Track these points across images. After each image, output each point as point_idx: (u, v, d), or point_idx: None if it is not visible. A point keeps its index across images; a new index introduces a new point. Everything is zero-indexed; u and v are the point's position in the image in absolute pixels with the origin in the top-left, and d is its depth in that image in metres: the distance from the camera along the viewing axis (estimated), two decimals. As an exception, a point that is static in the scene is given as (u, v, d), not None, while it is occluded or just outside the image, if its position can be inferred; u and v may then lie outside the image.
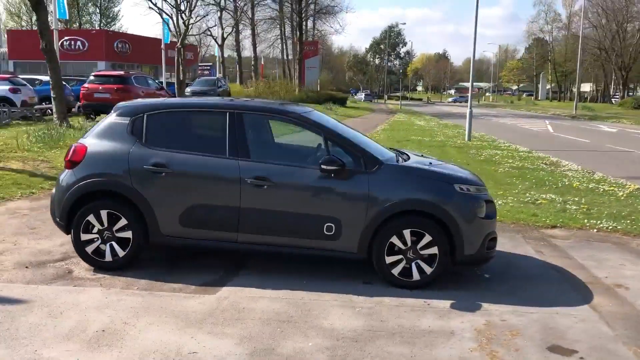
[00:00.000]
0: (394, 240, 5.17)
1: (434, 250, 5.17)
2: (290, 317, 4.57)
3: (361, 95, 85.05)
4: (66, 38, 48.74)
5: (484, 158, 15.44)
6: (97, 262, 5.39)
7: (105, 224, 5.32)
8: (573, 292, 5.41)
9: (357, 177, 5.20)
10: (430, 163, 5.74)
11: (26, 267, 5.44)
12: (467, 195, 5.29)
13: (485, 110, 62.08)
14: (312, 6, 57.20)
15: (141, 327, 4.27)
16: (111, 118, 5.55)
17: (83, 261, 5.47)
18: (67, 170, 5.47)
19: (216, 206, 5.27)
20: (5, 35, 54.54)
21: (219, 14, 52.98)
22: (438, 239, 5.15)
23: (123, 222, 5.30)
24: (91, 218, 5.31)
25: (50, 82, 15.30)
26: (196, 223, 5.31)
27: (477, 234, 5.25)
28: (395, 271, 5.22)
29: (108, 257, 5.35)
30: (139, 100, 6.36)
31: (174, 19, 28.98)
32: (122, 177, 5.27)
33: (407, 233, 5.16)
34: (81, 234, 5.34)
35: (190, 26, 29.76)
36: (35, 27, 20.63)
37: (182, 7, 28.36)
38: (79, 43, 49.21)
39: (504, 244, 6.94)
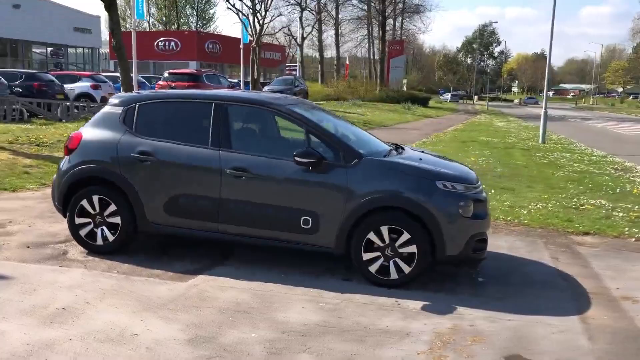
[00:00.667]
0: (371, 236, 5.00)
1: (413, 248, 4.95)
2: (250, 308, 4.54)
3: (447, 96, 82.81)
4: (161, 39, 51.41)
5: (548, 161, 14.60)
6: (89, 245, 5.62)
7: (97, 209, 5.54)
8: (569, 302, 4.99)
9: (335, 171, 5.08)
10: (421, 159, 5.49)
11: (28, 247, 5.77)
12: (452, 193, 5.01)
13: (580, 113, 58.68)
14: (399, 5, 56.63)
15: (101, 308, 4.41)
16: (107, 107, 5.76)
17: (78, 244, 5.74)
18: (65, 157, 5.75)
19: (198, 196, 5.34)
20: (108, 37, 58.22)
21: (299, 13, 53.70)
22: (417, 237, 4.93)
23: (113, 207, 5.50)
24: (84, 203, 5.54)
25: (120, 79, 16.17)
26: (180, 212, 5.40)
27: (460, 234, 4.98)
28: (373, 268, 5.05)
29: (99, 241, 5.57)
30: (137, 92, 6.56)
31: (250, 19, 29.73)
32: (111, 164, 5.47)
33: (384, 230, 4.98)
34: (75, 217, 5.59)
35: (265, 26, 30.43)
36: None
37: (258, 7, 29.06)
38: (172, 44, 51.64)
39: (518, 249, 6.55)
